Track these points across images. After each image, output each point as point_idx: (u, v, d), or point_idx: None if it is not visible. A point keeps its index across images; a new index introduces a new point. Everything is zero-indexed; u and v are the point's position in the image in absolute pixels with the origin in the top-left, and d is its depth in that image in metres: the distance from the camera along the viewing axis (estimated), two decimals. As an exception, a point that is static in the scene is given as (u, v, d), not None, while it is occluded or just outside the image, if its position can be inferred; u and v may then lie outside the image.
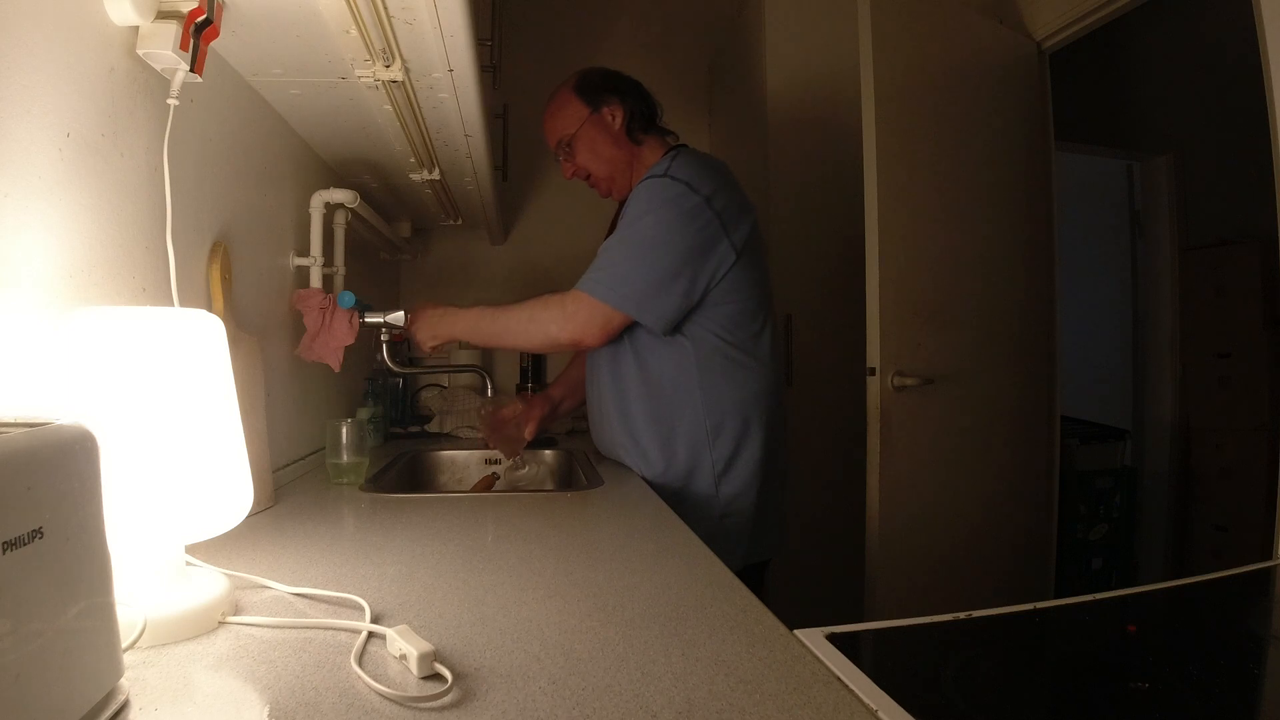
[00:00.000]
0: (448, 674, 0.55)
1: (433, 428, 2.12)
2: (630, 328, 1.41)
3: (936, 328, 1.95)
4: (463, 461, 1.85)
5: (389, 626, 0.61)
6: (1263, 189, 1.33)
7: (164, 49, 0.81)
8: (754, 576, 1.44)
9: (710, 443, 1.41)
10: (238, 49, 1.06)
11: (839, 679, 0.55)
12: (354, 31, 0.99)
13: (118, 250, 0.79)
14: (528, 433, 1.62)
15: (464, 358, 2.47)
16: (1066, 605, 0.77)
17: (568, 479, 1.77)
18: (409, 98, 1.23)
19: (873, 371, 1.85)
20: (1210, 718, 0.58)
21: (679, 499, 1.39)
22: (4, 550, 0.38)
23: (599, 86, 1.51)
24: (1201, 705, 0.59)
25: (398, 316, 1.62)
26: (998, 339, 2.10)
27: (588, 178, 1.54)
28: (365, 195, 1.62)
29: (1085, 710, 0.58)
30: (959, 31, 2.06)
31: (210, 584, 0.68)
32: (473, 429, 2.05)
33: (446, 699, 0.52)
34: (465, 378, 2.31)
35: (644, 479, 1.40)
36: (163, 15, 0.81)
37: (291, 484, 1.33)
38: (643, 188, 1.39)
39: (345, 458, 1.35)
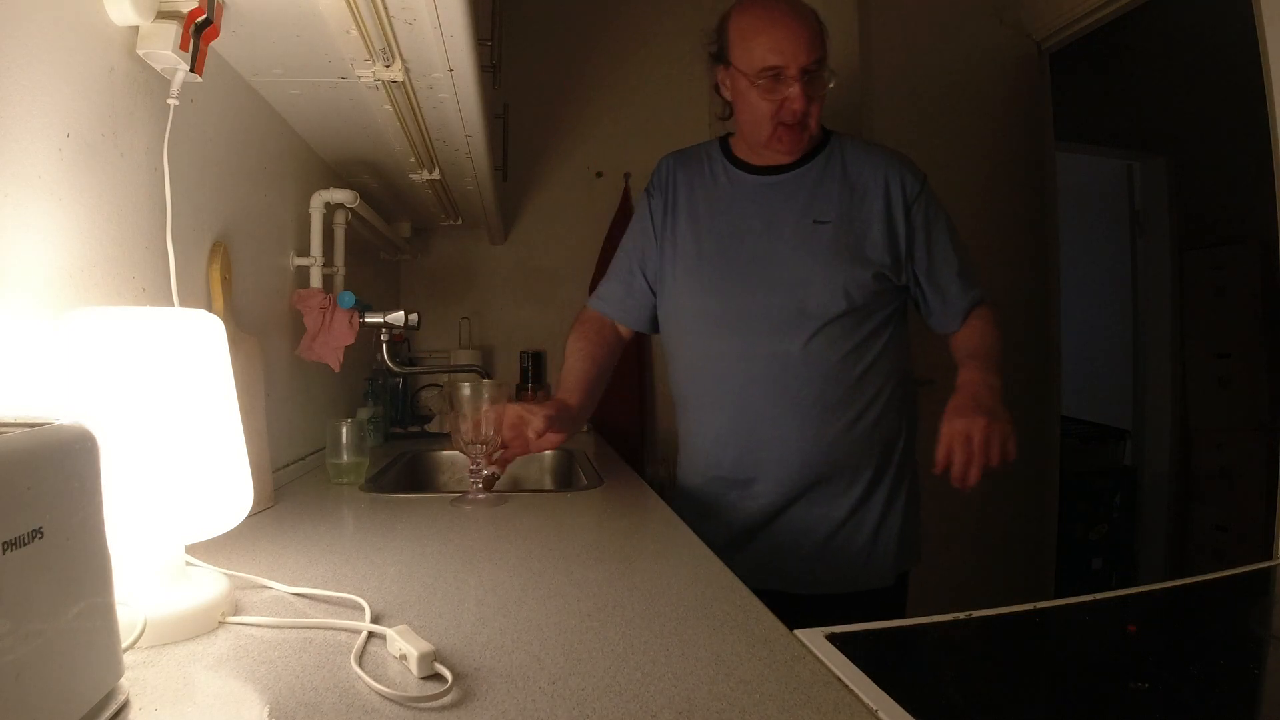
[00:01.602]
0: (448, 674, 0.55)
1: (433, 428, 2.12)
2: (898, 321, 1.31)
3: (936, 328, 1.94)
4: (463, 461, 1.85)
5: (389, 626, 0.61)
6: (1262, 189, 1.32)
7: (164, 49, 0.81)
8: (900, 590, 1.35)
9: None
10: (238, 49, 1.06)
11: (839, 679, 0.55)
12: (354, 31, 0.99)
13: (118, 250, 0.79)
14: (538, 439, 1.18)
15: (464, 358, 2.47)
16: (1066, 605, 0.77)
17: (568, 479, 1.77)
18: (409, 98, 1.23)
19: (873, 371, 1.85)
20: (1210, 718, 0.58)
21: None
22: (4, 550, 0.38)
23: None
24: (1201, 705, 0.59)
25: (397, 316, 1.63)
26: (998, 339, 2.10)
27: (800, 119, 1.20)
28: (365, 195, 1.62)
29: (1085, 710, 0.58)
30: (959, 31, 2.06)
31: (210, 584, 0.68)
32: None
33: (446, 699, 0.52)
34: (465, 378, 2.32)
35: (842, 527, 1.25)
36: (163, 15, 0.81)
37: (291, 484, 1.33)
38: (928, 193, 1.29)
39: (345, 458, 1.35)
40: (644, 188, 1.42)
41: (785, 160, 1.27)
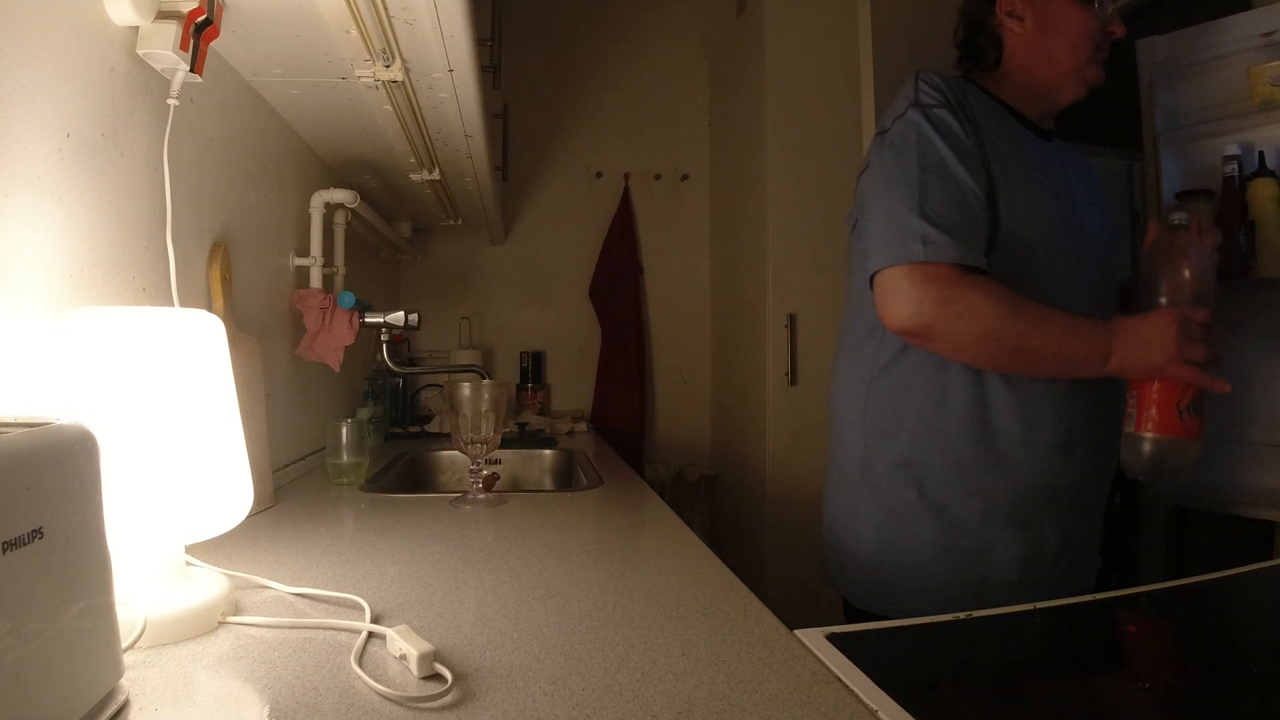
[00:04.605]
0: (448, 674, 0.55)
1: (433, 428, 2.13)
2: None
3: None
4: (463, 462, 1.85)
5: (389, 626, 0.61)
6: (1263, 189, 1.32)
7: (164, 49, 0.81)
8: None
9: None
10: (238, 49, 1.06)
11: (839, 679, 0.55)
12: (354, 31, 0.99)
13: (118, 250, 0.79)
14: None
15: (464, 358, 2.48)
16: (1066, 605, 0.77)
17: (568, 479, 1.77)
18: (409, 98, 1.23)
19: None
20: (1210, 718, 0.58)
21: None
22: (4, 550, 0.38)
23: None
24: (1201, 705, 0.59)
25: (397, 316, 1.63)
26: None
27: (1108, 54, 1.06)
28: (365, 195, 1.62)
29: (1085, 710, 0.58)
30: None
31: (210, 584, 0.68)
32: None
33: (446, 699, 0.52)
34: (465, 378, 2.32)
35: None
36: (163, 15, 0.81)
37: (291, 484, 1.33)
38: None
39: (345, 458, 1.35)
40: (916, 102, 1.03)
41: (1077, 97, 1.05)
